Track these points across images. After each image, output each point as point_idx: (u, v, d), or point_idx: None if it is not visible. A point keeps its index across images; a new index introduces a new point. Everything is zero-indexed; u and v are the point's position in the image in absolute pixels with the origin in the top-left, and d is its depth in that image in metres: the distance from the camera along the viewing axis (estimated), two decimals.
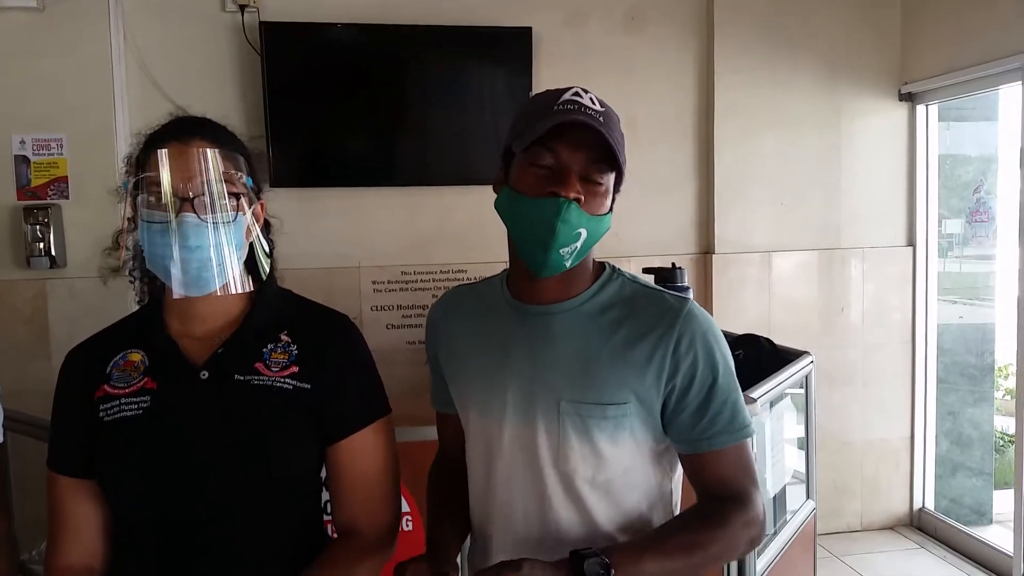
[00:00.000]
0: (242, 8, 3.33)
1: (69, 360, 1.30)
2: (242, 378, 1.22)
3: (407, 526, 2.12)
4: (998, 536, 3.76)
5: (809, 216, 3.92)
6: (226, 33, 3.39)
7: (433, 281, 3.61)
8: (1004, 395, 4.21)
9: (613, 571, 1.06)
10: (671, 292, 1.27)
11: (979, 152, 4.28)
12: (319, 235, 3.42)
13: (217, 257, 1.17)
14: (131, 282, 1.31)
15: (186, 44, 3.36)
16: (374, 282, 3.58)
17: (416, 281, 3.61)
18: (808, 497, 2.97)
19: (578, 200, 1.14)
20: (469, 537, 1.39)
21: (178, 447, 1.19)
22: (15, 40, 3.15)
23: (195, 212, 1.14)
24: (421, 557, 1.18)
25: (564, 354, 1.22)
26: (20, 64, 3.15)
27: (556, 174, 1.15)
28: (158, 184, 1.14)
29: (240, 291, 1.22)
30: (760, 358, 2.92)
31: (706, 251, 3.87)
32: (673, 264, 3.10)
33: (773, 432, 2.70)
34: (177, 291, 1.17)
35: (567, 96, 1.17)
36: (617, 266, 1.31)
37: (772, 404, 2.67)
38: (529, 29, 3.52)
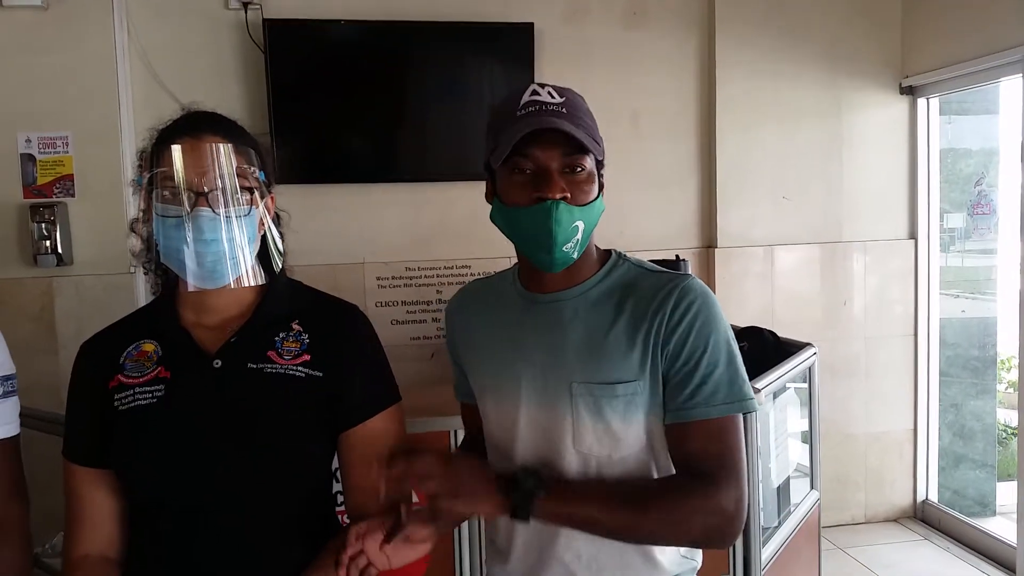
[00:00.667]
0: (245, 5, 3.35)
1: (83, 351, 1.32)
2: (255, 366, 1.24)
3: None
4: (1002, 527, 3.77)
5: (811, 210, 3.93)
6: (229, 30, 3.41)
7: (437, 277, 3.62)
8: (1007, 387, 4.22)
9: (544, 493, 1.11)
10: (674, 271, 1.29)
11: (981, 146, 4.29)
12: (323, 231, 3.43)
13: (231, 250, 1.19)
14: (145, 273, 1.33)
15: (190, 42, 3.38)
16: (378, 278, 3.59)
17: (420, 277, 3.62)
18: (812, 488, 2.98)
19: (565, 198, 1.17)
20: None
21: (192, 435, 1.20)
22: (20, 38, 3.16)
23: (210, 206, 1.17)
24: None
25: (574, 338, 1.24)
26: (25, 62, 3.16)
27: (537, 177, 1.18)
28: (173, 179, 1.16)
29: (253, 284, 1.24)
30: (764, 350, 2.93)
31: (709, 245, 3.88)
32: (677, 256, 3.12)
33: (777, 423, 2.72)
34: (192, 284, 1.19)
35: (526, 98, 1.20)
36: (623, 252, 1.33)
37: (775, 396, 2.69)
38: (531, 25, 3.53)
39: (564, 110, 1.19)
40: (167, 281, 1.31)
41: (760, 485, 2.47)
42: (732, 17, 3.76)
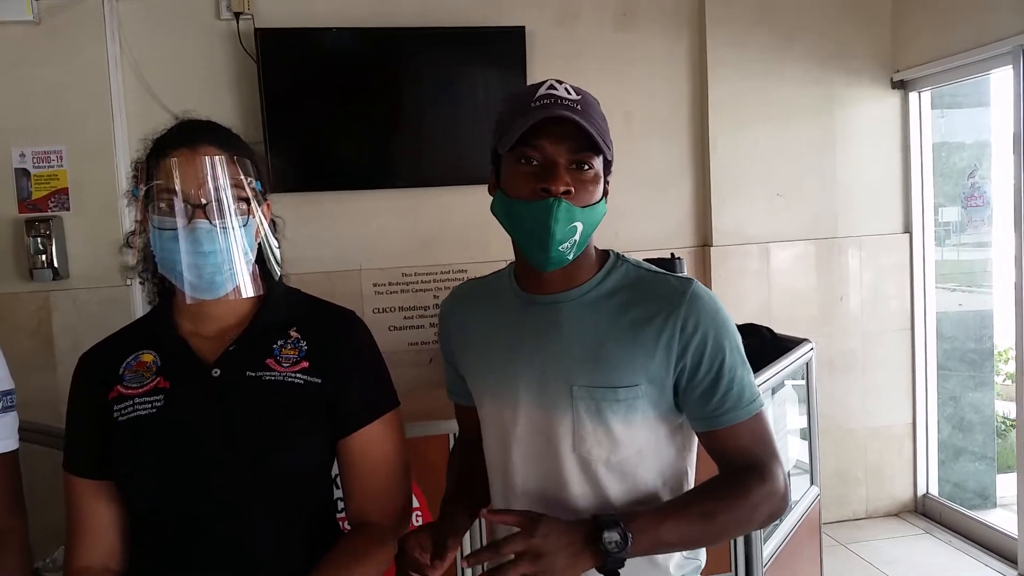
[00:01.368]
0: (237, 15, 3.36)
1: (82, 363, 1.32)
2: (254, 374, 1.24)
3: (417, 521, 2.14)
4: (1003, 519, 3.78)
5: (806, 206, 3.94)
6: (221, 40, 3.41)
7: (434, 282, 3.63)
8: (1004, 379, 4.23)
9: (631, 540, 1.08)
10: (674, 275, 1.29)
11: (974, 139, 4.30)
12: (319, 239, 3.43)
13: (229, 261, 1.19)
14: (141, 283, 1.33)
15: (182, 52, 3.39)
16: (375, 284, 3.60)
17: (417, 282, 3.63)
18: (812, 483, 2.98)
19: (568, 192, 1.16)
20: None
21: (191, 444, 1.21)
22: (13, 53, 3.17)
23: (207, 218, 1.17)
24: (428, 526, 1.22)
25: (573, 341, 1.24)
26: (18, 77, 3.17)
27: (543, 169, 1.17)
28: (169, 191, 1.16)
29: (252, 294, 1.24)
30: (761, 347, 2.94)
31: (704, 244, 3.89)
32: (672, 254, 3.12)
33: (776, 419, 2.72)
34: (190, 295, 1.19)
35: (542, 91, 1.19)
36: (622, 253, 1.33)
37: (774, 392, 2.69)
38: (522, 28, 3.54)
39: (579, 107, 1.18)
40: (164, 291, 1.31)
41: None
42: (722, 17, 3.78)
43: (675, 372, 1.22)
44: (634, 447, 1.23)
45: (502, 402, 1.29)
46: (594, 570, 1.10)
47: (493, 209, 1.26)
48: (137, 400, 1.23)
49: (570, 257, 1.21)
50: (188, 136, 1.21)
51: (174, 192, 1.16)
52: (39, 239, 3.15)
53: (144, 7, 3.35)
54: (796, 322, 3.69)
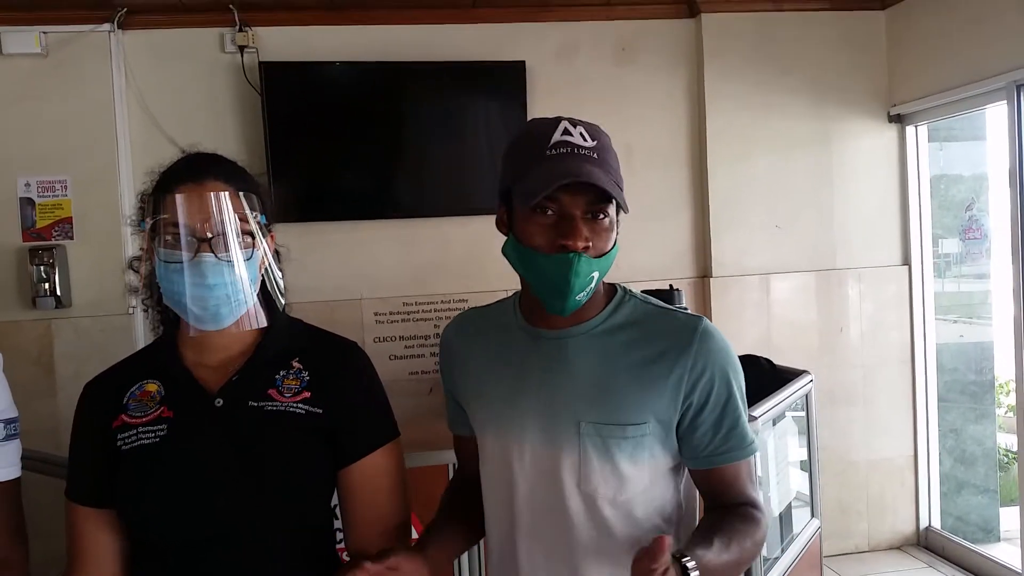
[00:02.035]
0: (241, 49, 3.41)
1: (87, 392, 1.33)
2: (256, 404, 1.25)
3: None
4: (1006, 553, 3.74)
5: (805, 238, 3.96)
6: (226, 73, 3.46)
7: (435, 311, 3.64)
8: (1006, 411, 4.21)
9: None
10: (683, 311, 1.30)
11: (971, 171, 4.33)
12: (321, 269, 3.46)
13: (234, 294, 1.20)
14: (144, 311, 1.34)
15: (187, 85, 3.44)
16: (376, 314, 3.61)
17: (418, 312, 3.64)
18: (813, 516, 2.97)
19: (587, 248, 1.16)
20: (485, 551, 1.40)
21: (194, 473, 1.21)
22: (20, 85, 3.22)
23: (212, 251, 1.18)
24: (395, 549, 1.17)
25: (581, 376, 1.24)
26: (25, 108, 3.22)
27: (561, 222, 1.16)
28: (175, 225, 1.18)
29: (255, 326, 1.25)
30: (760, 378, 2.94)
31: (704, 275, 3.91)
32: (671, 285, 3.13)
33: (776, 450, 2.71)
34: (195, 327, 1.21)
35: (557, 137, 1.18)
36: (628, 287, 1.33)
37: (774, 423, 2.69)
38: (523, 63, 3.59)
39: (596, 155, 1.17)
40: (168, 320, 1.32)
41: None
42: (720, 50, 3.83)
43: (681, 410, 1.22)
44: (640, 485, 1.23)
45: (506, 436, 1.28)
46: None
47: (505, 253, 1.25)
48: (141, 429, 1.24)
49: (583, 301, 1.21)
50: (195, 170, 1.23)
51: (180, 226, 1.17)
52: (42, 267, 3.18)
53: (150, 41, 3.40)
54: (796, 353, 3.69)
